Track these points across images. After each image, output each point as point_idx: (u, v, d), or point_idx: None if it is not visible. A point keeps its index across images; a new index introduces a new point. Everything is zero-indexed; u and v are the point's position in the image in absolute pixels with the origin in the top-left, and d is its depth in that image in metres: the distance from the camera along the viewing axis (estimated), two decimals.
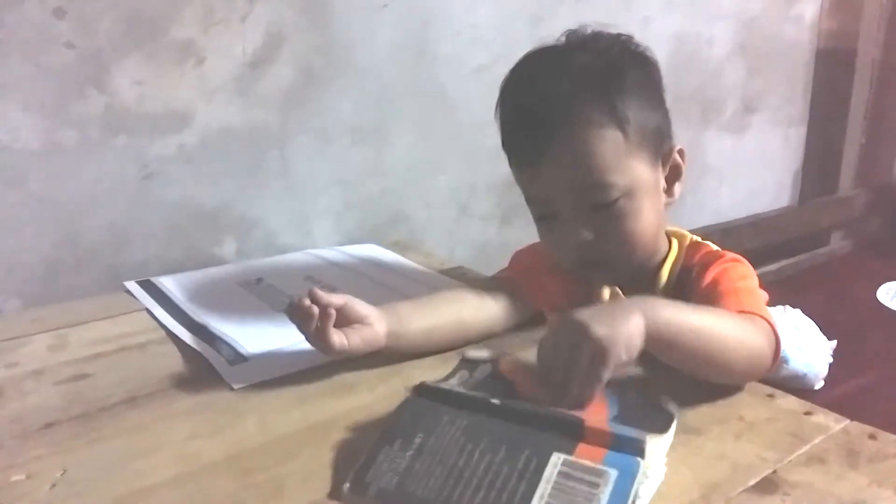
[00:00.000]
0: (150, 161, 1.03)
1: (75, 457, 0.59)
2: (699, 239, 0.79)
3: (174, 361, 0.77)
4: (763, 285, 0.74)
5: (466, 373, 0.63)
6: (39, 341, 0.83)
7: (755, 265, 0.75)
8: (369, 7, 1.18)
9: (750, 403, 0.64)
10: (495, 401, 0.55)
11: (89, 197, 0.99)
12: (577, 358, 0.54)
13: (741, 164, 1.93)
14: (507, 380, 0.61)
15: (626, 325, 0.56)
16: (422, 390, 0.59)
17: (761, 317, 0.66)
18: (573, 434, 0.51)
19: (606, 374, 0.54)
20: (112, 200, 1.01)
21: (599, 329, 0.54)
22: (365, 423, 0.62)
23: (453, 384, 0.61)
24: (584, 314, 0.55)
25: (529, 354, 0.63)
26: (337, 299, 0.68)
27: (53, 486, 0.55)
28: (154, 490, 0.55)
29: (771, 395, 0.66)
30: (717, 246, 0.79)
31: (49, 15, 0.92)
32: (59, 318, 0.89)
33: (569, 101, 0.68)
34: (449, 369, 0.67)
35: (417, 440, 0.54)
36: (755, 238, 1.89)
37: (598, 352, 0.54)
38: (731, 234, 1.80)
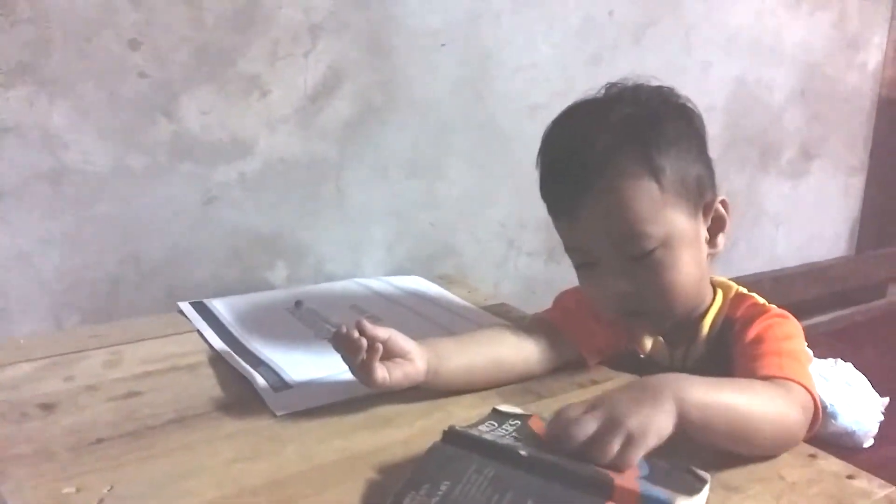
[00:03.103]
0: (213, 187, 1.07)
1: (123, 473, 0.62)
2: (745, 291, 0.79)
3: (221, 384, 0.80)
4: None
5: (494, 423, 0.63)
6: (96, 357, 0.86)
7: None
8: (429, 46, 1.21)
9: (791, 463, 0.63)
10: (524, 452, 0.55)
11: (153, 219, 1.04)
12: (607, 445, 0.54)
13: (798, 210, 1.89)
14: (535, 434, 0.60)
15: (659, 415, 0.55)
16: (450, 436, 0.59)
17: (800, 384, 0.65)
18: (601, 492, 0.51)
19: (636, 461, 0.54)
20: (175, 223, 1.05)
21: (633, 421, 0.54)
22: (403, 457, 0.63)
23: (482, 430, 0.61)
24: (617, 404, 0.55)
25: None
26: (382, 332, 0.69)
27: (101, 501, 0.57)
28: None
29: (813, 456, 0.64)
30: (766, 296, 0.78)
31: (125, 46, 0.97)
32: (116, 335, 0.92)
33: (604, 153, 0.69)
34: (487, 408, 0.67)
35: (444, 487, 0.53)
36: (809, 287, 1.85)
37: (630, 441, 0.54)
38: (783, 282, 1.76)
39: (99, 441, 0.67)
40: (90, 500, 0.58)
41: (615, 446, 0.53)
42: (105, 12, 0.95)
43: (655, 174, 0.69)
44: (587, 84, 0.77)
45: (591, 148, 0.70)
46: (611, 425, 0.54)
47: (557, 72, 1.35)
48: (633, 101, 0.72)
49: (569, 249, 0.76)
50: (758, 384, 0.64)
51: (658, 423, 0.55)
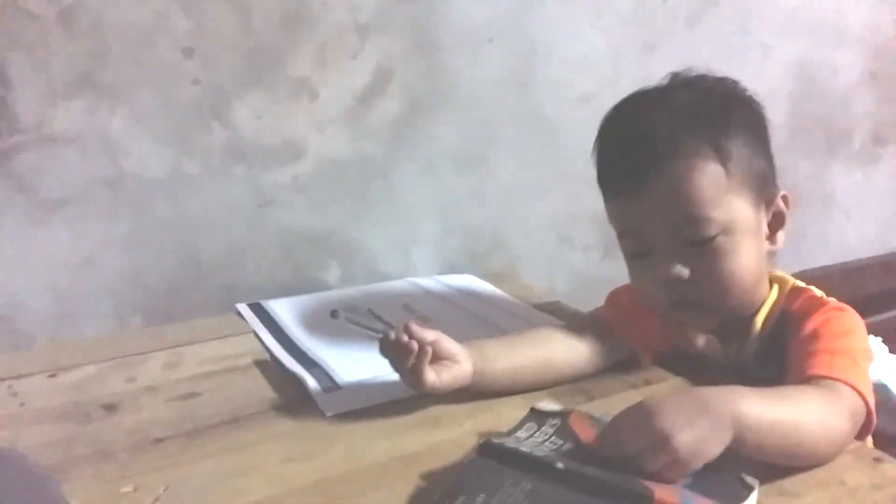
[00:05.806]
0: (267, 189, 1.09)
1: (180, 472, 0.63)
2: (802, 284, 0.76)
3: (276, 385, 0.81)
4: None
5: (534, 424, 0.62)
6: (157, 358, 0.89)
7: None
8: (475, 40, 1.20)
9: (853, 467, 0.60)
10: (560, 465, 0.54)
11: (209, 222, 1.06)
12: (653, 463, 0.52)
13: (870, 198, 1.81)
14: (575, 435, 0.59)
15: (712, 440, 0.53)
16: (486, 449, 0.58)
17: (850, 385, 0.62)
18: None
19: (680, 478, 0.53)
20: (230, 225, 1.08)
21: (684, 442, 0.52)
22: (451, 458, 0.63)
23: (520, 437, 0.60)
24: (671, 420, 0.52)
25: (603, 411, 0.62)
26: (429, 335, 0.69)
27: (157, 499, 0.59)
28: None
29: (878, 459, 0.62)
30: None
31: (179, 54, 0.99)
32: (177, 336, 0.95)
33: (672, 133, 0.68)
34: None
35: (479, 499, 0.52)
36: (883, 279, 1.76)
37: (676, 462, 0.52)
38: (855, 275, 1.68)
39: (157, 441, 0.69)
40: (146, 498, 0.59)
41: (660, 465, 0.52)
42: (159, 21, 0.97)
43: (722, 159, 0.68)
44: (639, 73, 0.75)
45: (659, 128, 0.69)
46: (661, 444, 0.52)
47: (607, 61, 1.32)
48: (698, 89, 0.72)
49: (623, 235, 0.75)
50: (807, 392, 0.61)
51: (709, 448, 0.53)
